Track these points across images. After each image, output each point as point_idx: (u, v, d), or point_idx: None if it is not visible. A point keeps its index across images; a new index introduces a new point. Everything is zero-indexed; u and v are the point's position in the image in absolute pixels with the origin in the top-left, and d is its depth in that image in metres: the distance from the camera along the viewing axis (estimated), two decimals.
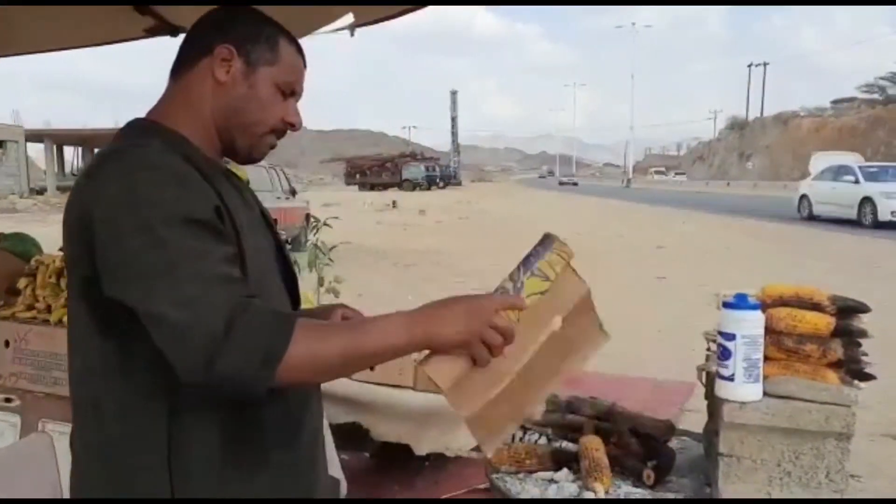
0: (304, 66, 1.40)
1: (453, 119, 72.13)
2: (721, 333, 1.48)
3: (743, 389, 1.46)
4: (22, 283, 2.88)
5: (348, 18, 3.07)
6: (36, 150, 45.33)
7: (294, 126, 1.39)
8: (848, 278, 9.32)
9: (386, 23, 3.24)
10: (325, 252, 8.62)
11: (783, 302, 1.56)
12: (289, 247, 5.84)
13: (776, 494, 1.42)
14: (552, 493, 1.54)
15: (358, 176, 57.92)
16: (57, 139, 41.70)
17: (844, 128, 57.15)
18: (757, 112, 77.63)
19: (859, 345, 1.56)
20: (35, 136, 41.21)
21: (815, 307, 1.54)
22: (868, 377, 1.53)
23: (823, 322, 1.52)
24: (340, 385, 3.15)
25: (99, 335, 1.21)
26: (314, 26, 3.32)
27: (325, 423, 2.77)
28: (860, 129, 54.54)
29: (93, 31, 3.28)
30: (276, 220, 6.58)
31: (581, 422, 1.72)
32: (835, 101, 71.12)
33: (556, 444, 1.71)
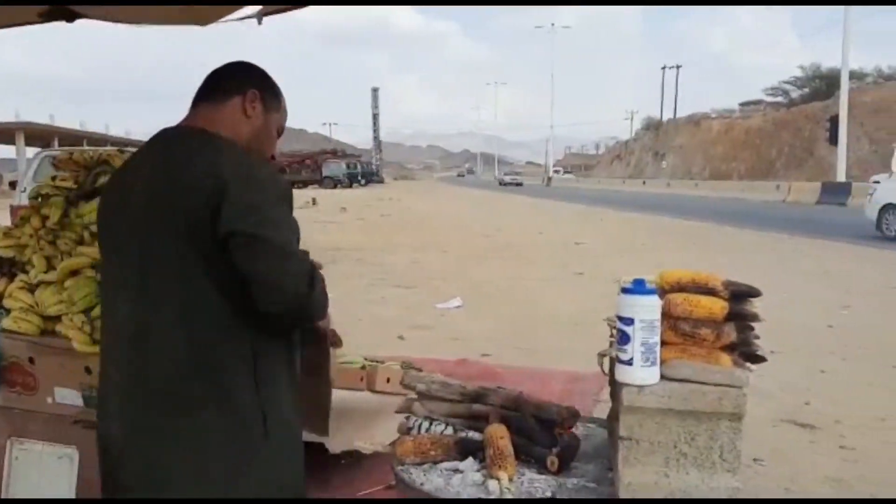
0: None
1: (375, 116, 71.65)
2: (620, 318, 1.50)
3: (641, 373, 1.48)
4: None
5: (255, 7, 3.00)
6: None
7: (274, 158, 1.87)
8: None
9: (304, 17, 3.20)
10: None
11: (680, 287, 1.59)
12: None
13: (672, 476, 1.45)
14: (456, 482, 1.52)
15: None
16: None
17: (752, 129, 59.50)
18: (670, 113, 79.99)
19: (752, 328, 1.61)
20: None
21: (710, 292, 1.57)
22: (759, 359, 1.58)
23: (718, 306, 1.55)
24: None
25: (204, 278, 1.57)
26: (221, 14, 3.24)
27: None
28: (766, 131, 56.86)
29: None
30: None
31: (488, 411, 1.72)
32: (743, 104, 74.03)
33: (463, 434, 1.70)
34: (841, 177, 31.91)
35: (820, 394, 5.34)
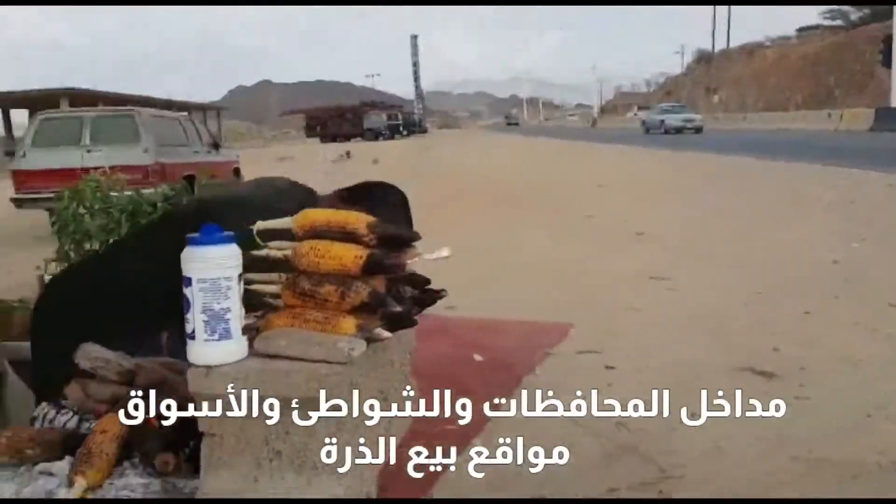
0: None
1: (415, 65, 70.44)
2: (185, 279, 1.14)
3: (206, 350, 1.12)
4: None
5: None
6: None
7: None
8: None
9: None
10: None
11: (315, 233, 1.22)
12: None
13: (264, 480, 1.11)
14: (29, 492, 1.20)
15: (318, 128, 56.46)
16: (3, 103, 40.27)
17: (808, 56, 56.68)
18: (723, 44, 76.72)
19: (427, 282, 1.23)
20: None
21: (350, 237, 1.20)
22: (408, 322, 1.20)
23: (350, 256, 1.17)
24: None
25: None
26: None
27: None
28: (824, 57, 54.07)
29: None
30: (192, 175, 6.22)
31: (122, 394, 1.38)
32: (800, 29, 70.53)
33: (86, 426, 1.38)
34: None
35: (794, 338, 4.86)
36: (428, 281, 1.27)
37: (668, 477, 3.16)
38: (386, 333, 1.15)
